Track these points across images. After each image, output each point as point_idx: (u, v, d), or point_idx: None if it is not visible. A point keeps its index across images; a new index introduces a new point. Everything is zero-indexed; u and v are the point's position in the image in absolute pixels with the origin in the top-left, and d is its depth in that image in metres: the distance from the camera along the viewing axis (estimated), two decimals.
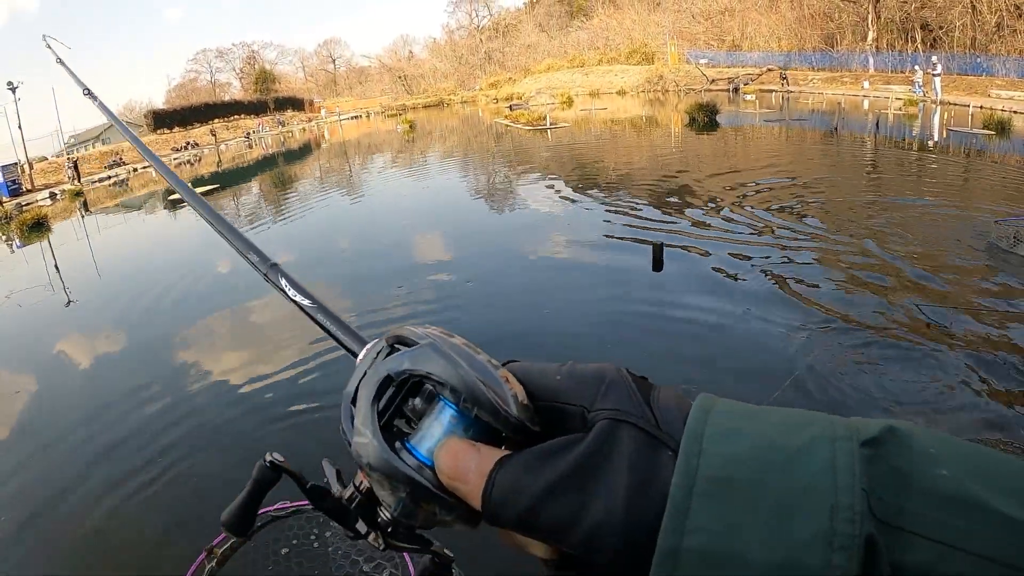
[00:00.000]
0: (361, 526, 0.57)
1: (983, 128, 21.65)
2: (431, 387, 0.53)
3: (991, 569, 0.36)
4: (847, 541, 0.37)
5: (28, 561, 4.99)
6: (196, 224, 20.88)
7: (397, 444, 0.52)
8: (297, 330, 8.82)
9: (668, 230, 11.46)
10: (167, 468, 5.98)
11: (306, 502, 3.92)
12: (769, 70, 49.30)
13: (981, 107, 26.72)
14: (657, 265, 9.45)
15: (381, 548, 0.56)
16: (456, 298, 9.49)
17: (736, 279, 8.89)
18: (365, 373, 0.55)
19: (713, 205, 13.07)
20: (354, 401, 0.55)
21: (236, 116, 72.09)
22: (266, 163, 41.25)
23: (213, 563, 3.90)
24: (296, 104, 79.63)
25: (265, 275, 0.78)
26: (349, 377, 0.57)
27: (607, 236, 11.57)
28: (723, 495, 0.40)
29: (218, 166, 42.56)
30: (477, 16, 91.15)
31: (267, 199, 25.11)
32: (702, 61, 54.96)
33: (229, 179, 33.44)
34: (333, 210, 19.57)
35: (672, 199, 14.13)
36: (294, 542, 3.99)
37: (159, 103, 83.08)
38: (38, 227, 24.33)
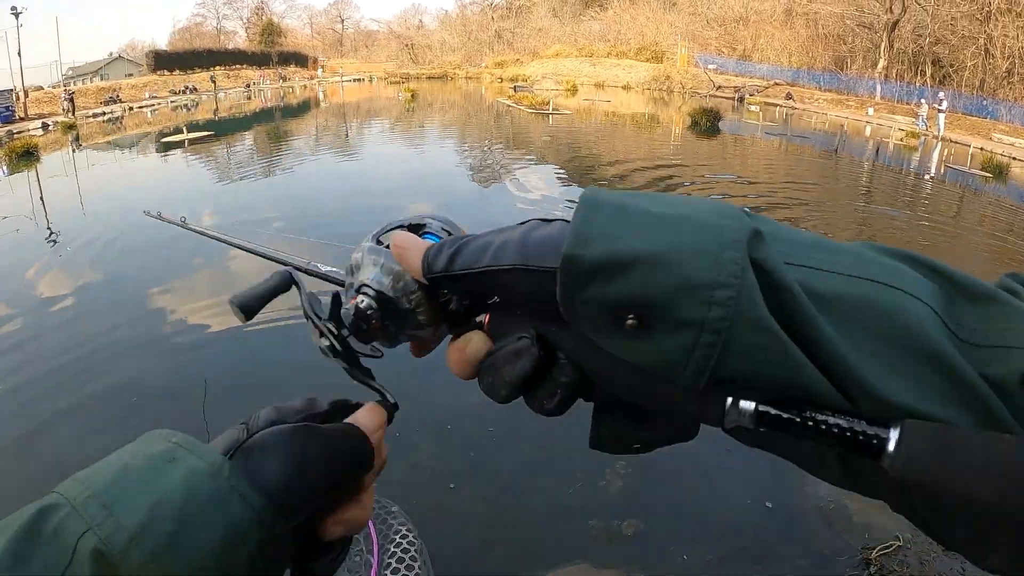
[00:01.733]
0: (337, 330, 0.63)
1: (981, 169, 21.77)
2: (422, 231, 0.65)
3: (860, 284, 0.44)
4: (733, 213, 0.46)
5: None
6: (188, 169, 21.04)
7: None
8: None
9: None
10: (133, 410, 5.93)
11: None
12: (776, 84, 49.32)
13: (982, 148, 26.77)
14: None
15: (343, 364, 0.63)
16: None
17: None
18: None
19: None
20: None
21: (238, 66, 71.15)
22: (263, 115, 40.95)
23: None
24: (300, 60, 78.74)
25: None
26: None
27: None
28: (618, 215, 0.46)
29: (215, 114, 42.05)
30: None
31: (260, 152, 24.83)
32: (711, 66, 54.79)
33: (226, 127, 33.11)
34: (322, 170, 19.35)
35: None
36: None
37: (162, 45, 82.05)
38: (27, 156, 23.94)
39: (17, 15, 42.85)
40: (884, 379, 0.42)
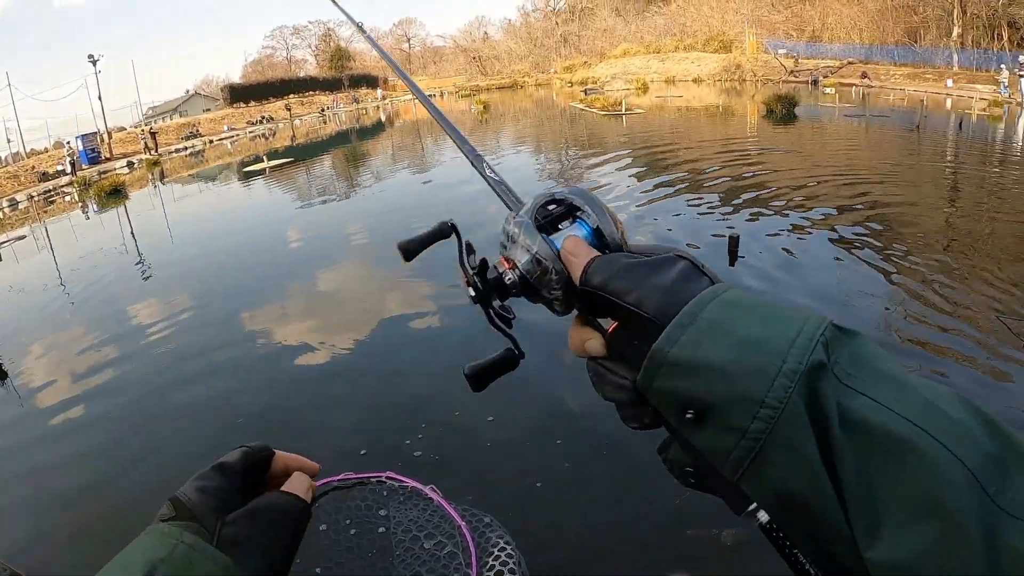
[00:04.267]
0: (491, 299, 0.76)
1: None
2: (576, 214, 0.74)
3: (908, 426, 0.46)
4: (804, 347, 0.51)
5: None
6: (269, 196, 21.66)
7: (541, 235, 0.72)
8: (366, 302, 9.43)
9: (743, 221, 11.49)
10: (226, 431, 6.21)
11: (370, 474, 4.10)
12: (850, 63, 48.35)
13: None
14: (732, 259, 9.44)
15: (489, 319, 0.76)
16: None
17: (812, 271, 9.12)
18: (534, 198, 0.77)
19: (791, 199, 12.95)
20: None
21: (311, 92, 73.29)
22: (339, 138, 42.02)
23: None
24: (370, 81, 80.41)
25: (471, 162, 1.00)
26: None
27: (681, 228, 11.49)
28: (730, 305, 0.56)
29: (292, 140, 43.32)
30: None
31: (340, 174, 25.57)
32: (781, 51, 53.92)
33: (304, 153, 34.06)
34: (402, 186, 20.08)
35: (748, 192, 13.85)
36: (357, 513, 4.10)
37: (236, 78, 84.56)
38: (115, 193, 25.61)
39: (95, 62, 46.00)
40: (879, 530, 0.46)
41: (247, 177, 25.95)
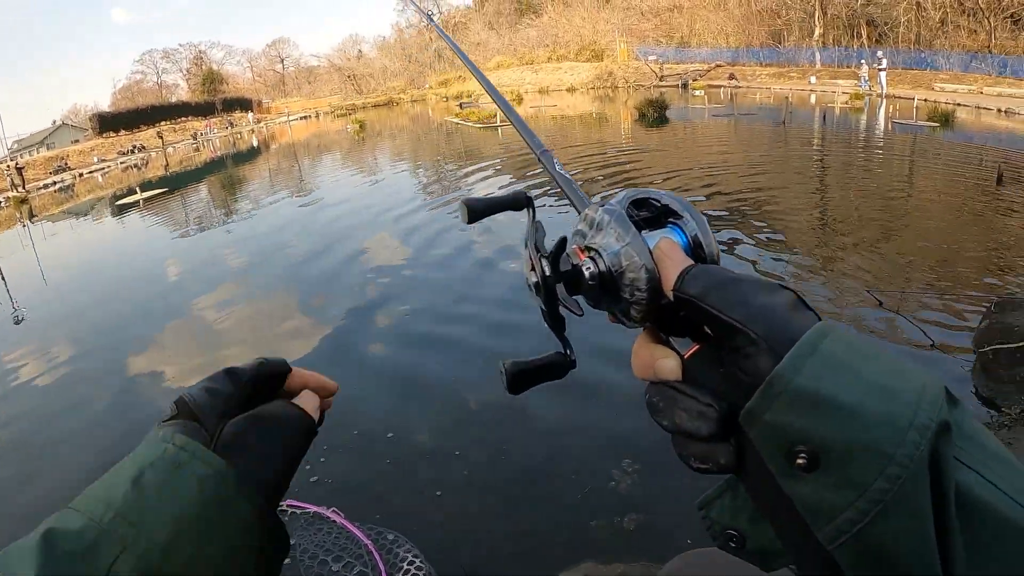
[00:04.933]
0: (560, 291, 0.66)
1: (928, 120, 22.07)
2: (670, 220, 0.66)
3: (1006, 500, 0.44)
4: (933, 401, 0.45)
5: None
6: (146, 231, 20.67)
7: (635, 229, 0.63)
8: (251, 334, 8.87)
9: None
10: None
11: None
12: (718, 66, 49.69)
13: (925, 100, 27.19)
14: None
15: (553, 312, 0.67)
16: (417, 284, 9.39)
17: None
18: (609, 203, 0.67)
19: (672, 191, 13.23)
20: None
21: (183, 118, 70.66)
22: (214, 165, 40.35)
23: None
24: (244, 104, 78.22)
25: (538, 157, 0.91)
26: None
27: (552, 227, 11.52)
28: (848, 346, 0.49)
29: (166, 169, 41.40)
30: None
31: (216, 203, 24.44)
32: (651, 58, 55.05)
33: (177, 182, 32.40)
34: (282, 211, 19.13)
35: (621, 187, 13.98)
36: None
37: (105, 106, 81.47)
38: None
39: None
40: None
41: (121, 211, 24.56)
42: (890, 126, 22.99)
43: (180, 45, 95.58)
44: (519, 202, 0.74)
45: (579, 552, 4.13)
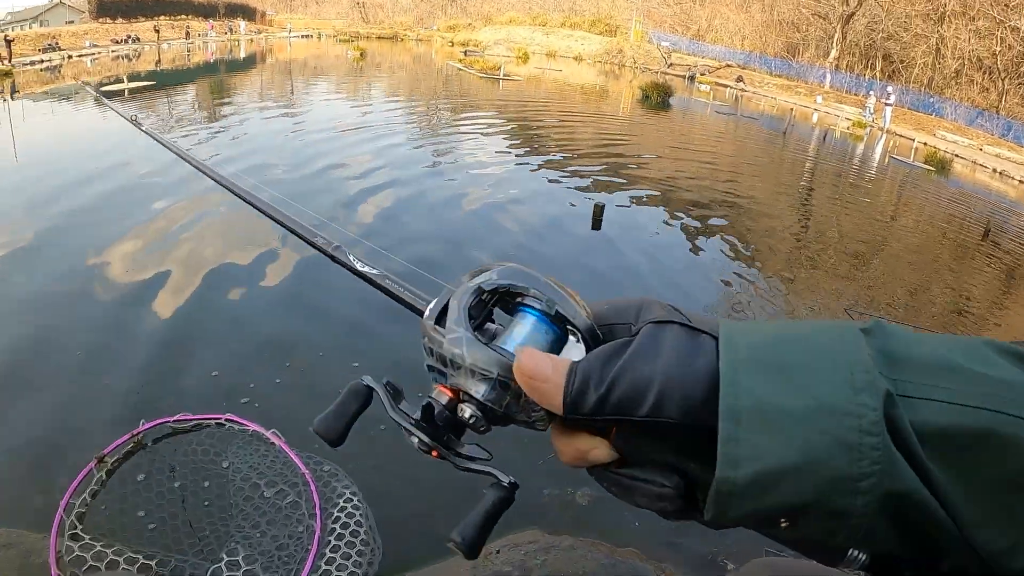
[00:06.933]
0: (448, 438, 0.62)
1: (924, 162, 22.20)
2: (516, 300, 0.60)
3: (979, 415, 0.43)
4: (867, 384, 0.44)
5: None
6: (124, 124, 19.44)
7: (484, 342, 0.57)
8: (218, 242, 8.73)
9: (610, 191, 11.91)
10: (60, 370, 5.51)
11: (209, 415, 3.58)
12: (728, 66, 49.35)
13: (925, 143, 27.31)
14: (596, 225, 10.13)
15: (457, 465, 0.62)
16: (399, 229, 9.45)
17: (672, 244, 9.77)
18: (451, 294, 0.60)
19: (655, 176, 13.52)
20: (438, 321, 0.60)
21: (183, 16, 68.98)
22: (208, 68, 39.33)
23: (103, 472, 3.78)
24: (247, 13, 76.37)
25: (332, 256, 0.85)
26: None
27: (549, 193, 11.80)
28: (759, 368, 0.47)
29: (157, 64, 40.18)
30: None
31: (203, 104, 23.77)
32: (664, 44, 54.50)
33: (167, 79, 31.66)
34: (269, 125, 18.44)
35: (620, 167, 14.17)
36: (193, 457, 3.94)
37: None
38: None
39: None
40: (980, 531, 0.43)
41: (106, 97, 23.51)
42: (887, 160, 23.09)
43: None
44: (363, 397, 0.64)
45: (528, 518, 3.98)
